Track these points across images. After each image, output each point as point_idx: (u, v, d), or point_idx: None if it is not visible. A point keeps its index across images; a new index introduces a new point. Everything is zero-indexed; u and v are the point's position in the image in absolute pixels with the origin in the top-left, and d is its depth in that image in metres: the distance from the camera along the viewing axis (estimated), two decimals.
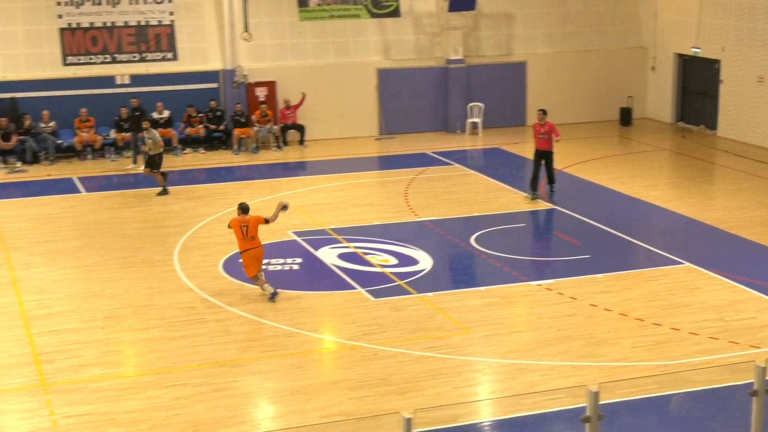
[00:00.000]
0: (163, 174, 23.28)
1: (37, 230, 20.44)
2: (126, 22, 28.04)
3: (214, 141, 28.32)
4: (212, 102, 28.33)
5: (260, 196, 22.89)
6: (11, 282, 17.16)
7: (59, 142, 26.91)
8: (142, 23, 28.21)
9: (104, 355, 14.04)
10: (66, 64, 27.68)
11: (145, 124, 23.68)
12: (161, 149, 23.15)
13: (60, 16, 27.58)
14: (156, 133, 23.33)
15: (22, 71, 27.32)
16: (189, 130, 27.83)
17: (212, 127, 28.20)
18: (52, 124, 26.78)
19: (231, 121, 28.21)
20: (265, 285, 16.21)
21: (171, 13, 28.44)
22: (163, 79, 28.18)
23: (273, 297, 16.09)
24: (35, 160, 26.50)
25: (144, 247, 19.03)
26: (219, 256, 18.24)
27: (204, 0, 28.79)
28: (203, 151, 27.99)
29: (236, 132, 27.99)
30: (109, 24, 27.93)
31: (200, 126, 27.89)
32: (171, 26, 28.48)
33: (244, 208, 16.33)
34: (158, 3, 28.34)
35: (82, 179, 24.80)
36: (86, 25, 27.77)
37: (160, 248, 18.90)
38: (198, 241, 19.39)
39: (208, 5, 28.80)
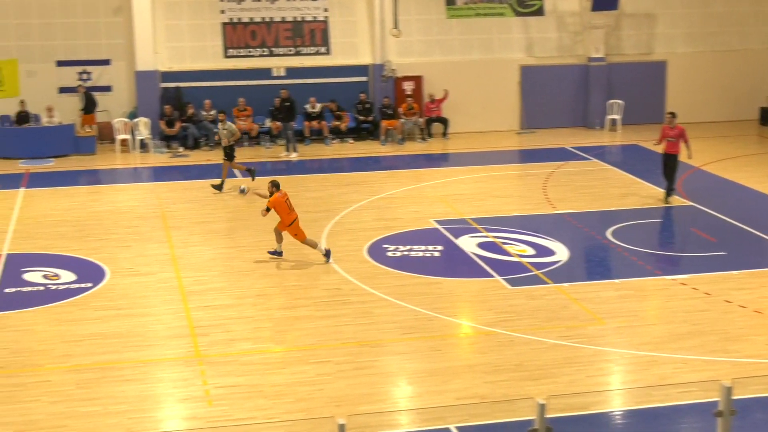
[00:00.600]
0: (250, 170, 23.24)
1: (195, 211, 21.20)
2: (283, 18, 29.07)
3: (362, 132, 29.17)
4: (362, 95, 29.08)
5: (405, 185, 23.35)
6: (171, 259, 17.82)
7: (213, 128, 28.17)
8: (299, 19, 29.23)
9: (254, 331, 14.50)
10: (227, 57, 28.84)
11: (221, 116, 23.84)
12: (233, 142, 23.06)
13: (222, 12, 28.78)
14: (231, 125, 23.36)
15: (186, 62, 28.59)
16: (333, 123, 28.73)
17: (361, 118, 29.05)
18: (212, 112, 27.90)
19: (379, 113, 28.97)
20: (319, 245, 17.63)
21: (325, 10, 29.32)
22: (316, 72, 29.05)
23: (328, 255, 17.55)
24: (196, 145, 27.65)
25: None
26: (364, 241, 18.62)
27: None
28: (351, 141, 28.85)
29: (383, 123, 28.67)
30: (267, 19, 29.02)
31: (340, 122, 28.72)
32: (325, 22, 29.39)
33: (278, 184, 17.50)
34: (314, 0, 29.37)
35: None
36: (246, 20, 28.93)
37: (308, 232, 18.89)
38: (344, 227, 19.80)
39: (361, 2, 29.49)
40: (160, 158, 26.96)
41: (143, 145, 27.59)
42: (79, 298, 15.89)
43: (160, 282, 16.71)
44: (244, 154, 26.73)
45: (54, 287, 16.41)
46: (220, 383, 12.70)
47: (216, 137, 23.98)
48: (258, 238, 19.11)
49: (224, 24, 28.82)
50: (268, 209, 17.40)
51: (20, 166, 26.01)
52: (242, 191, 19.35)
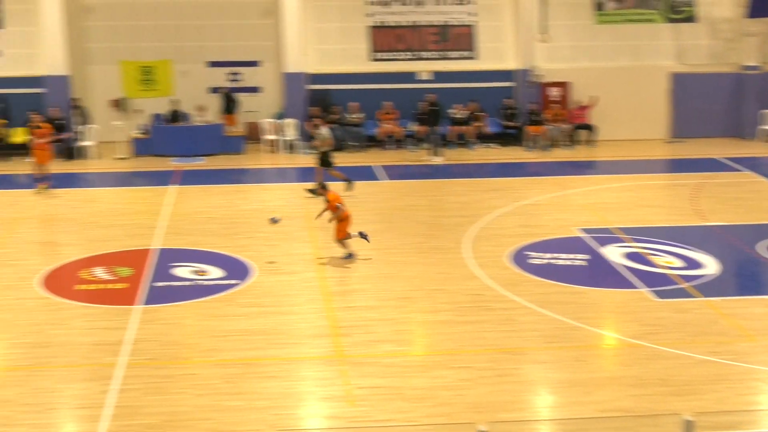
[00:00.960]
0: (348, 180, 22.87)
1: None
2: (430, 22, 29.27)
3: (508, 137, 29.03)
4: (508, 100, 29.02)
5: (549, 192, 23.16)
6: (315, 259, 18.08)
7: (358, 130, 28.36)
8: (445, 23, 29.36)
9: (396, 333, 14.52)
10: (373, 60, 29.24)
11: (317, 121, 23.86)
12: (329, 147, 22.97)
13: (370, 15, 29.21)
14: (324, 131, 23.16)
15: (333, 65, 29.07)
16: (474, 124, 28.66)
17: (506, 123, 28.93)
18: (360, 115, 28.28)
19: (525, 118, 28.79)
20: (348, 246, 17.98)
21: (472, 15, 29.39)
22: (461, 76, 29.13)
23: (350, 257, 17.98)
24: (341, 147, 27.78)
25: (437, 235, 19.51)
26: (507, 248, 18.50)
27: (504, 2, 29.49)
28: (496, 147, 28.74)
29: (529, 129, 28.53)
30: (414, 23, 29.28)
31: (479, 124, 28.59)
32: (472, 27, 29.41)
33: (326, 185, 18.45)
34: (461, 4, 29.37)
35: (384, 167, 25.88)
36: (393, 23, 29.20)
37: (452, 236, 19.35)
38: (488, 232, 19.70)
39: (508, 7, 29.45)
40: (306, 159, 27.36)
41: (290, 146, 28.06)
42: (225, 294, 16.24)
43: (303, 281, 16.93)
44: (389, 157, 27.00)
45: (202, 283, 16.82)
46: (361, 384, 12.74)
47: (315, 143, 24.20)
48: (402, 241, 19.24)
49: (371, 27, 29.12)
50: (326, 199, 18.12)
51: (171, 164, 26.84)
52: (274, 220, 18.81)
